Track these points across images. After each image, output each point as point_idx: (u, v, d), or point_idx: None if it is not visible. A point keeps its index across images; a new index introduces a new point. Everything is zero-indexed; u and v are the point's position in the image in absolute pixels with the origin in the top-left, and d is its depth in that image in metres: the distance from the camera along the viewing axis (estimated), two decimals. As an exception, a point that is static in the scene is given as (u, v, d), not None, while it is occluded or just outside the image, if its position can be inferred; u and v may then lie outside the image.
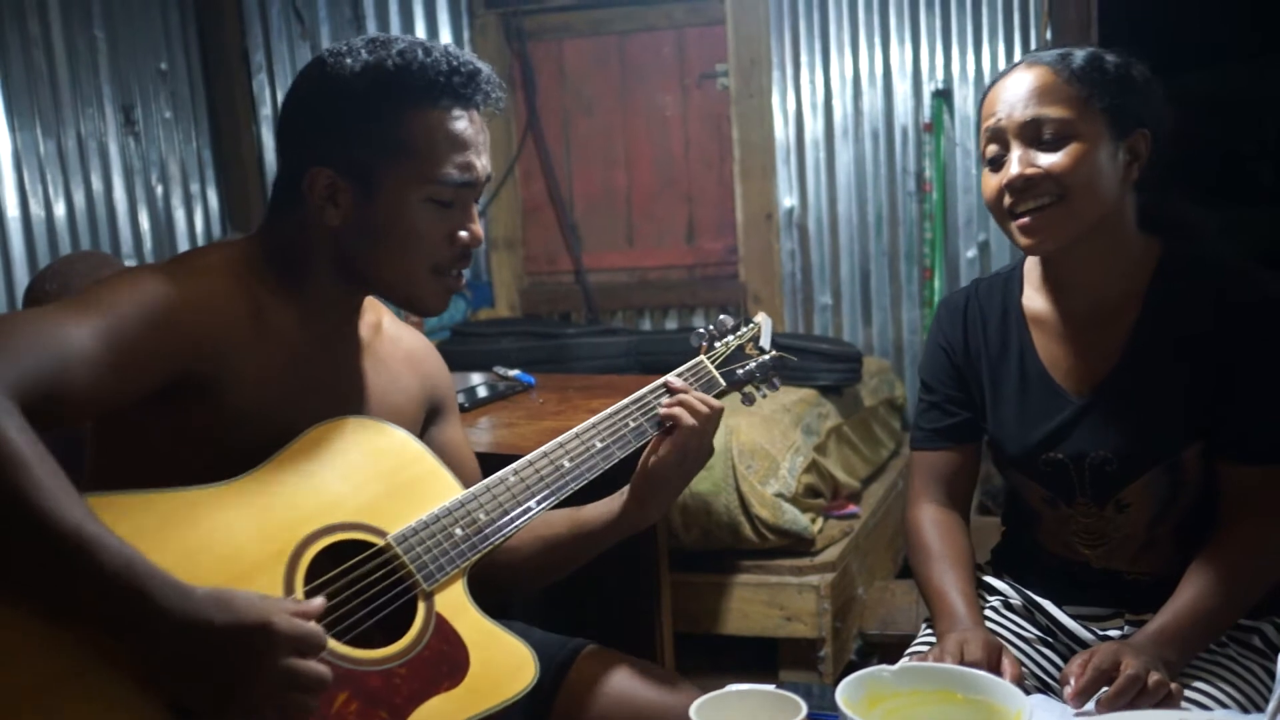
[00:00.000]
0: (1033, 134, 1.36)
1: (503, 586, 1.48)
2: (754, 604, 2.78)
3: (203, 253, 1.31)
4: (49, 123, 3.39)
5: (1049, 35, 3.54)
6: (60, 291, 2.09)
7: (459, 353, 3.42)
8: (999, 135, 1.39)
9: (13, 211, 3.28)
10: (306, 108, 1.30)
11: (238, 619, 1.02)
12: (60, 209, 3.43)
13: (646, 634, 2.05)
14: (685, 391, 1.44)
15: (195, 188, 3.95)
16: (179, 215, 3.88)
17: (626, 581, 2.07)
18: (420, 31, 4.20)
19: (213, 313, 1.22)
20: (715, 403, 1.43)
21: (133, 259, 3.63)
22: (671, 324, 4.06)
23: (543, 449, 1.38)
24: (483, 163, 1.31)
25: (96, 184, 3.56)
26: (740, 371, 1.57)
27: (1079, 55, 1.38)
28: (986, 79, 3.72)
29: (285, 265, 1.31)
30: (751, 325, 1.62)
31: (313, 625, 1.07)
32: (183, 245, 3.87)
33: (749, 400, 1.61)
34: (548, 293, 4.26)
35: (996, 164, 1.40)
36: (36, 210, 3.35)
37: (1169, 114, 1.42)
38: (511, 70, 4.17)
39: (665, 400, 1.43)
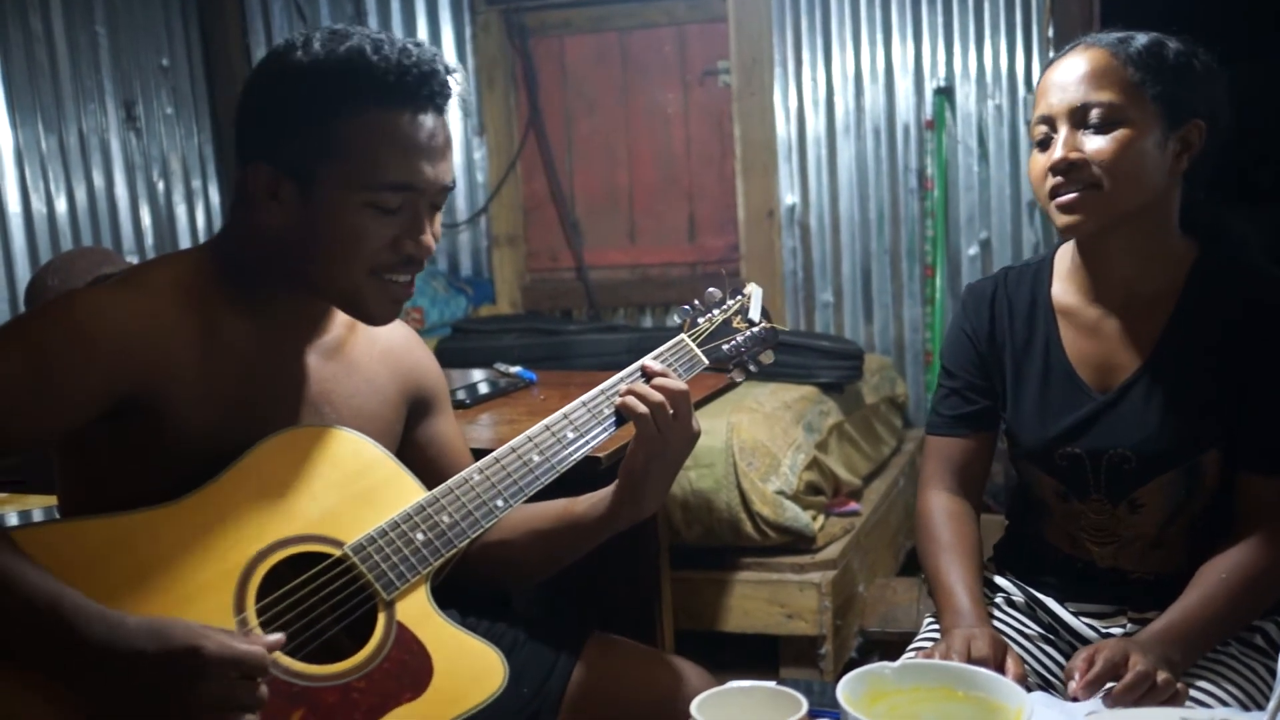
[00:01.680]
0: (1080, 117, 1.34)
1: (499, 580, 1.47)
2: (755, 601, 2.78)
3: (153, 267, 1.27)
4: (51, 118, 3.40)
5: (1051, 33, 3.54)
6: (62, 286, 2.09)
7: (460, 349, 3.42)
8: (1048, 118, 1.37)
9: (14, 207, 3.29)
10: (253, 102, 1.25)
11: (167, 646, 1.01)
12: (62, 204, 3.43)
13: (648, 630, 2.05)
14: (663, 374, 1.36)
15: (197, 183, 3.95)
16: (180, 211, 3.88)
17: (627, 578, 2.06)
18: (422, 28, 4.20)
19: (155, 335, 1.17)
20: (674, 385, 1.34)
21: (134, 254, 3.63)
22: (673, 321, 4.06)
23: (510, 444, 1.33)
24: (436, 169, 1.23)
25: (98, 179, 3.56)
26: (726, 347, 1.49)
27: (1140, 39, 1.36)
28: (988, 77, 3.72)
29: (239, 273, 1.26)
30: (739, 297, 1.55)
31: (251, 647, 1.05)
32: (184, 241, 3.87)
33: (744, 375, 1.52)
34: (549, 289, 4.26)
35: (1045, 145, 1.38)
36: (38, 206, 3.36)
37: (1227, 106, 1.40)
38: (513, 67, 4.17)
39: (621, 389, 1.37)
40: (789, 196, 3.96)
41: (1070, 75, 1.36)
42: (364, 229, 1.21)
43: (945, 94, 3.77)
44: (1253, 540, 1.36)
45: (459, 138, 4.25)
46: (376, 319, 1.29)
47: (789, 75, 3.90)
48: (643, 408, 1.33)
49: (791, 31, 3.88)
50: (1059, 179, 1.35)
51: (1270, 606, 1.41)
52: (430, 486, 1.32)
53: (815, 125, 3.91)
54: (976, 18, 3.72)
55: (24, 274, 3.23)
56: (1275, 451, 1.37)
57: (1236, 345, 1.37)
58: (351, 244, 1.22)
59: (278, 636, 1.11)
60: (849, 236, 3.94)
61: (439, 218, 1.28)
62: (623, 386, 1.37)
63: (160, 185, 3.80)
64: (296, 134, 1.20)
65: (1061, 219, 1.37)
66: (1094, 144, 1.33)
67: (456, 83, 1.25)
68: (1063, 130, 1.35)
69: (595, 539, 1.43)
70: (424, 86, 1.21)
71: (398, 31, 4.18)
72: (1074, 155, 1.34)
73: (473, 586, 1.40)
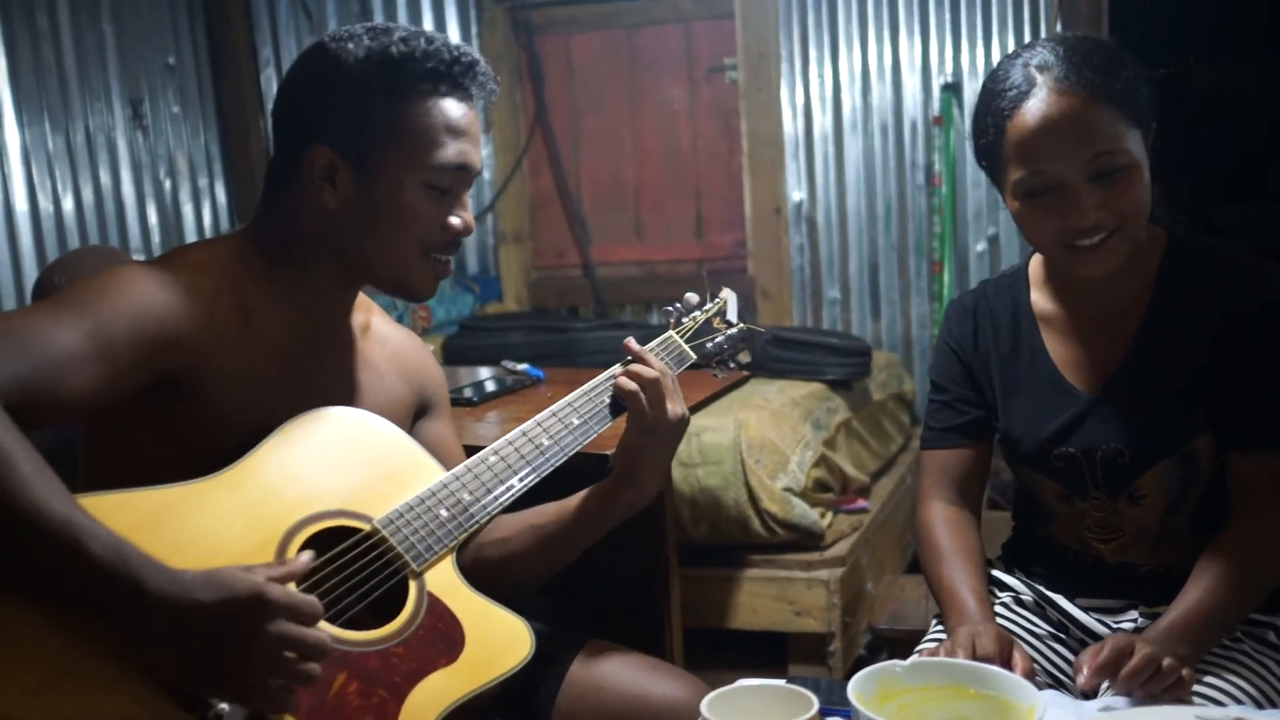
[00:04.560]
0: (1094, 174, 1.30)
1: (497, 588, 1.43)
2: (763, 599, 2.78)
3: (192, 249, 1.32)
4: (57, 117, 3.40)
5: (1059, 28, 3.52)
6: (69, 285, 2.09)
7: (467, 347, 3.42)
8: (1050, 177, 1.31)
9: (21, 206, 3.29)
10: (308, 89, 1.31)
11: (230, 593, 1.01)
12: (69, 203, 3.43)
13: (655, 629, 2.05)
14: (646, 356, 1.45)
15: (203, 182, 3.95)
16: (187, 210, 3.88)
17: (635, 576, 2.06)
18: (428, 25, 4.20)
19: (198, 311, 1.22)
20: (658, 364, 1.44)
21: (141, 253, 3.63)
22: (669, 307, 4.05)
23: (521, 428, 1.39)
24: (478, 154, 1.33)
25: (105, 178, 3.56)
26: (709, 345, 1.60)
27: (1102, 68, 1.30)
28: (996, 72, 3.70)
29: (278, 257, 1.32)
30: (717, 300, 1.66)
31: (307, 596, 1.06)
32: (191, 239, 3.87)
33: (724, 371, 1.64)
34: (556, 286, 4.25)
35: (1041, 194, 1.33)
36: (45, 205, 3.36)
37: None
38: (519, 64, 4.16)
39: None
40: (796, 193, 3.95)
41: (1068, 132, 1.29)
42: (419, 208, 1.30)
43: (953, 90, 3.76)
44: (1247, 522, 1.36)
45: (466, 135, 4.25)
46: (422, 295, 1.36)
47: (796, 71, 3.89)
48: (632, 385, 1.41)
49: (799, 28, 3.87)
50: (1080, 236, 1.32)
51: (1282, 602, 1.41)
52: None
53: (822, 121, 3.90)
54: (984, 13, 3.71)
55: (31, 273, 3.23)
56: (1261, 430, 1.37)
57: (1214, 328, 1.38)
58: (408, 222, 1.30)
59: (307, 555, 1.12)
60: (856, 233, 3.93)
61: (468, 199, 1.37)
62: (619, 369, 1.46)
63: (167, 184, 3.80)
64: (358, 119, 1.27)
65: (1088, 268, 1.35)
66: (1115, 198, 1.30)
67: (493, 83, 1.35)
68: (1075, 190, 1.30)
69: (596, 530, 1.45)
70: (467, 76, 1.31)
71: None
72: (1100, 215, 1.30)
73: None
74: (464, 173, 1.32)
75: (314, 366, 1.34)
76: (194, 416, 1.22)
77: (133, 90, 3.67)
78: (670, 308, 1.62)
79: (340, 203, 1.29)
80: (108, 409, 1.18)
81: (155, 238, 3.72)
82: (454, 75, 1.30)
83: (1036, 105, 1.30)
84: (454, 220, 1.32)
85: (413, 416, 1.48)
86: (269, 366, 1.28)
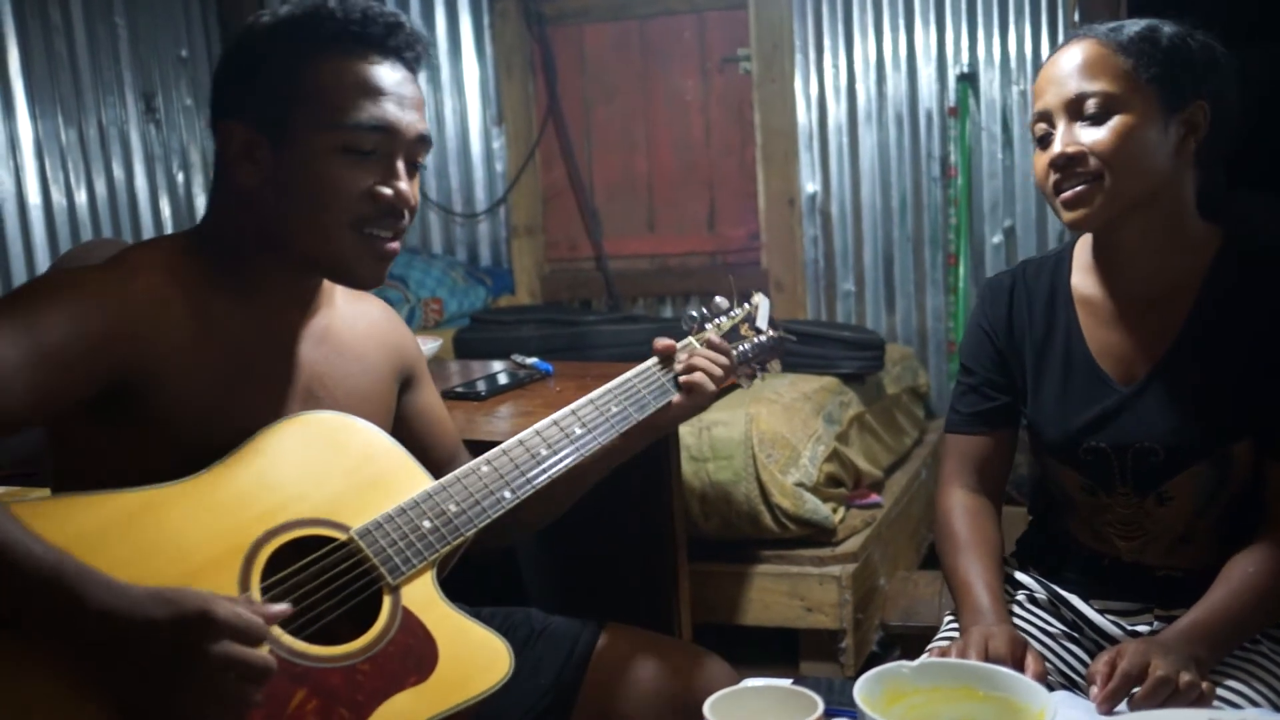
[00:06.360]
0: (1076, 109, 1.33)
1: (500, 529, 1.44)
2: (774, 594, 2.76)
3: (141, 250, 1.26)
4: (70, 111, 3.40)
5: (1076, 16, 3.48)
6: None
7: (479, 340, 3.41)
8: (1046, 114, 1.36)
9: (35, 199, 3.30)
10: (222, 66, 1.26)
11: (179, 611, 0.99)
12: (82, 196, 3.44)
13: (665, 624, 2.04)
14: (720, 348, 1.49)
15: (216, 175, 3.96)
16: (200, 202, 3.88)
17: (645, 571, 2.05)
18: (440, 16, 4.19)
19: (145, 317, 1.17)
20: (725, 346, 1.49)
21: (154, 246, 3.64)
22: (693, 311, 4.03)
23: (518, 437, 1.34)
24: (407, 116, 1.24)
25: (118, 171, 3.57)
26: (734, 354, 1.53)
27: (1132, 26, 1.35)
28: (1013, 62, 3.68)
29: (227, 253, 1.25)
30: (746, 307, 1.58)
31: (254, 617, 1.04)
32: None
33: (749, 383, 1.58)
34: (568, 279, 4.24)
35: (1045, 142, 1.36)
36: (58, 198, 3.37)
37: (1234, 85, 1.37)
38: (531, 55, 4.15)
39: (681, 366, 1.47)
40: (810, 185, 3.93)
41: (1064, 69, 1.34)
42: (339, 175, 1.21)
43: (968, 80, 3.73)
44: None
45: (477, 127, 4.24)
46: (364, 280, 1.28)
47: (810, 62, 3.86)
48: (711, 385, 1.46)
49: (812, 18, 3.84)
50: (1060, 174, 1.33)
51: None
52: (424, 458, 1.35)
53: (837, 112, 3.87)
54: (1000, 2, 3.67)
55: (44, 265, 3.25)
56: None
57: (1264, 331, 1.34)
58: (328, 192, 1.21)
59: (282, 606, 1.09)
60: (871, 225, 3.90)
61: (418, 180, 1.28)
62: (644, 369, 1.45)
63: (180, 177, 3.81)
64: (267, 85, 1.21)
65: (1067, 214, 1.35)
66: (1092, 135, 1.31)
67: (424, 47, 1.28)
68: (1060, 125, 1.33)
69: (592, 479, 1.49)
70: (390, 37, 1.24)
71: (416, 19, 4.17)
72: (1072, 149, 1.32)
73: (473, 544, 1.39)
74: (387, 134, 1.22)
75: (280, 362, 1.28)
76: (153, 420, 1.17)
77: (145, 83, 3.68)
78: (693, 313, 1.54)
79: (261, 179, 1.22)
80: (65, 418, 1.16)
81: (168, 231, 3.73)
82: (369, 35, 1.22)
83: (1059, 52, 1.38)
84: (383, 189, 1.23)
85: (399, 389, 1.44)
86: (231, 365, 1.23)
